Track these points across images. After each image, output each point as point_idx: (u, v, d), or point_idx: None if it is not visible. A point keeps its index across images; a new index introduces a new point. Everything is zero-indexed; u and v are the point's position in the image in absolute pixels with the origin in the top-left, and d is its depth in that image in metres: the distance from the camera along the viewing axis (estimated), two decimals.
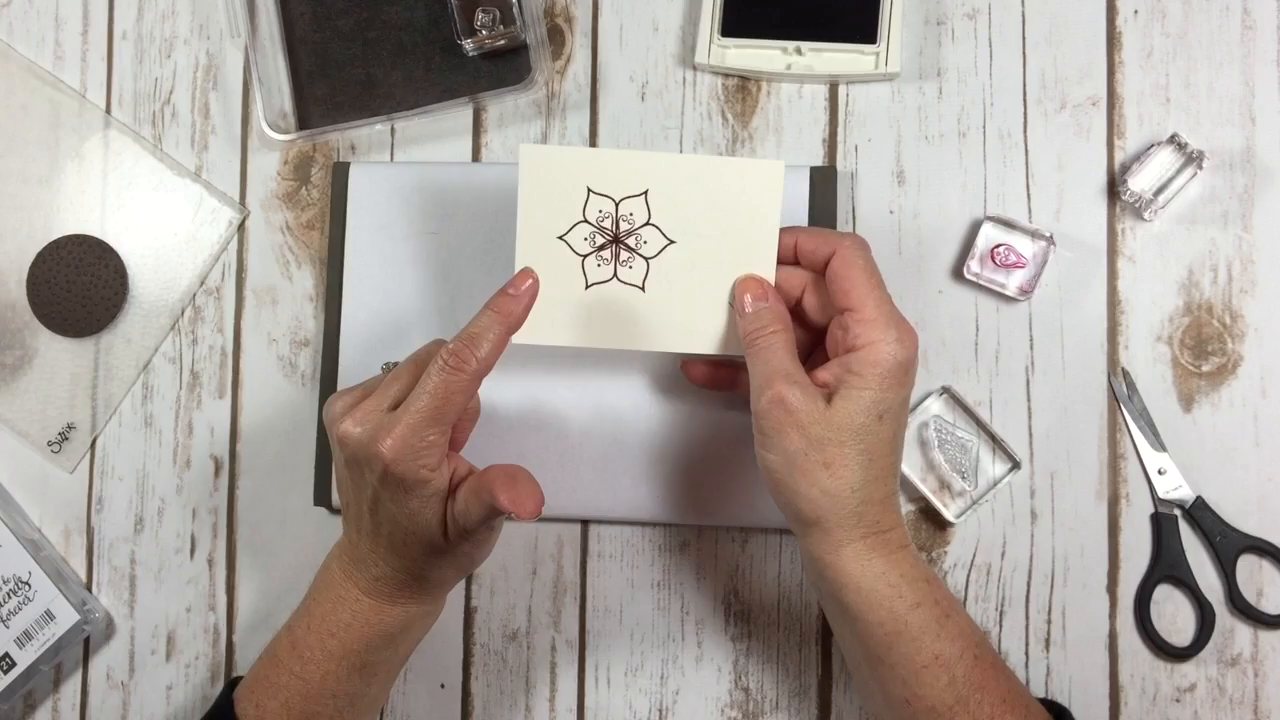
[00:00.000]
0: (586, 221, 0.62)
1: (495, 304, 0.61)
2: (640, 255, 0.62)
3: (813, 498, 0.57)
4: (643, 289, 0.62)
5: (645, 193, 0.61)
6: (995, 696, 0.57)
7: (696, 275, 0.62)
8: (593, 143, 0.75)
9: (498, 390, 0.72)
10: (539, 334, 0.63)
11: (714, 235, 0.62)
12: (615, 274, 0.62)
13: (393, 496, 0.59)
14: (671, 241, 0.62)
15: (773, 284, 0.62)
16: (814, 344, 0.64)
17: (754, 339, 0.60)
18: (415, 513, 0.60)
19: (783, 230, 0.62)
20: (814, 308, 0.63)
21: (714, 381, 0.68)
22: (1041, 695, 0.69)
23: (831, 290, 0.60)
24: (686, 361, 0.68)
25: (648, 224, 0.62)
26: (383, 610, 0.63)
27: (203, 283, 0.77)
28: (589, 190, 0.62)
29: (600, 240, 0.62)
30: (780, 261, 0.62)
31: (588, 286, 0.62)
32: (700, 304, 0.62)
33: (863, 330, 0.58)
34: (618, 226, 0.62)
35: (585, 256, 0.62)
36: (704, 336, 0.63)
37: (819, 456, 0.57)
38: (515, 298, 0.61)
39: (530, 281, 0.62)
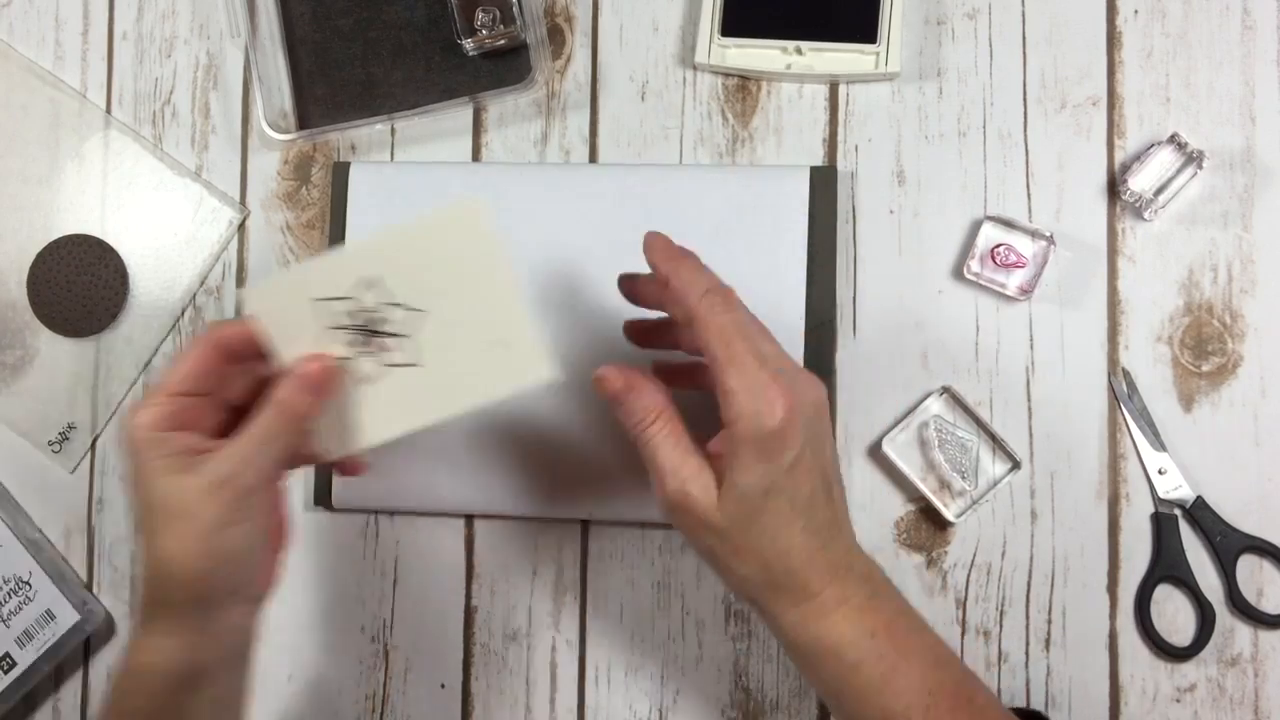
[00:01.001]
0: (335, 329, 0.60)
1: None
2: (400, 335, 0.60)
3: (735, 584, 0.58)
4: (420, 364, 0.60)
5: (377, 277, 0.59)
6: None
7: (465, 329, 0.59)
8: (593, 142, 0.75)
9: None
10: (347, 443, 0.61)
11: (456, 288, 0.59)
12: (386, 362, 0.60)
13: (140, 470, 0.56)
14: (421, 311, 0.59)
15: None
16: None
17: (633, 434, 0.57)
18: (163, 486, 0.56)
19: (660, 261, 0.58)
20: (689, 343, 0.59)
21: (651, 341, 0.65)
22: (1032, 703, 0.69)
23: (698, 348, 0.56)
24: (627, 324, 0.66)
25: (392, 305, 0.59)
26: (136, 647, 0.58)
27: (203, 283, 0.77)
28: (321, 300, 0.60)
29: (356, 338, 0.60)
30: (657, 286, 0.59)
31: (360, 383, 0.60)
32: (487, 349, 0.59)
33: (728, 406, 0.54)
34: (366, 321, 0.60)
35: (350, 359, 0.60)
36: (513, 372, 0.59)
37: (728, 546, 0.56)
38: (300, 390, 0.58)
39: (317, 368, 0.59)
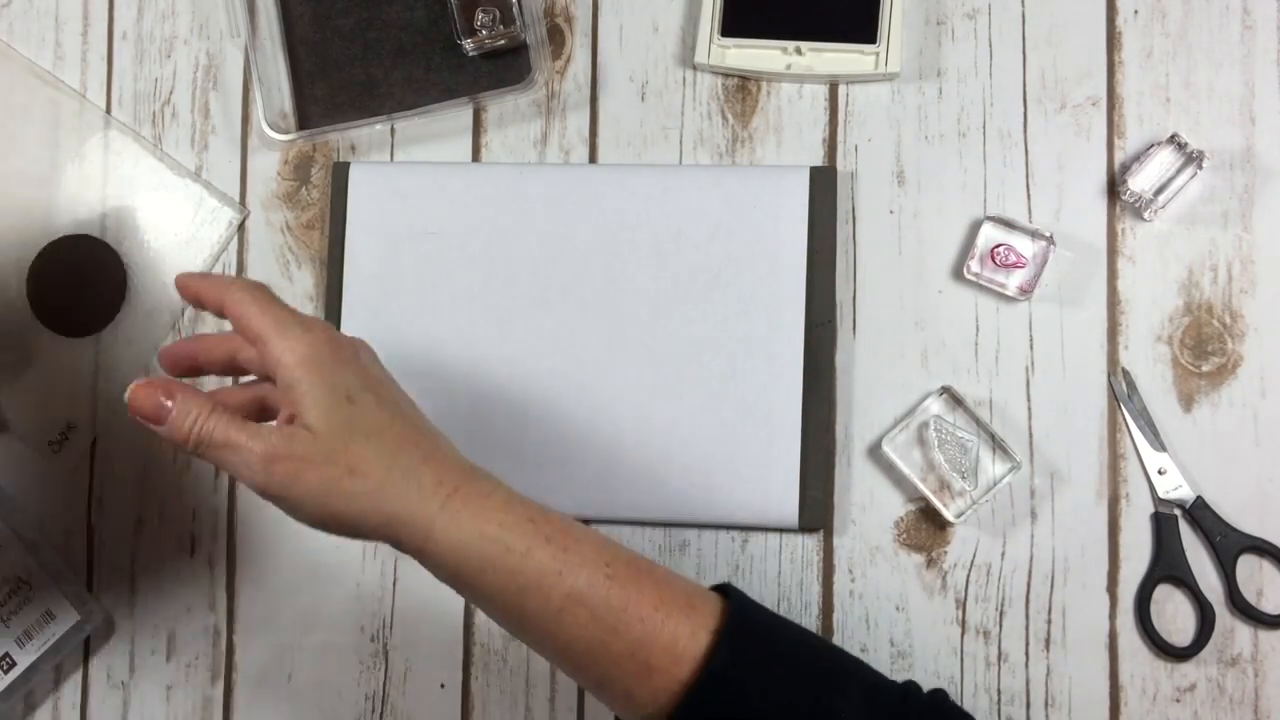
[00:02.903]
0: None
1: None
2: None
3: (363, 506, 0.54)
4: None
5: None
6: (645, 608, 0.54)
7: None
8: (593, 142, 0.75)
9: (498, 390, 0.72)
10: None
11: None
12: None
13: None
14: None
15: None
16: None
17: (192, 440, 0.54)
18: None
19: (182, 277, 0.59)
20: (251, 362, 0.59)
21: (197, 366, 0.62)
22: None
23: (240, 333, 0.57)
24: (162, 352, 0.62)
25: None
26: None
27: None
28: None
29: None
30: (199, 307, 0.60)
31: None
32: None
33: (272, 347, 0.55)
34: None
35: None
36: None
37: (337, 471, 0.53)
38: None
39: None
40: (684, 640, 0.54)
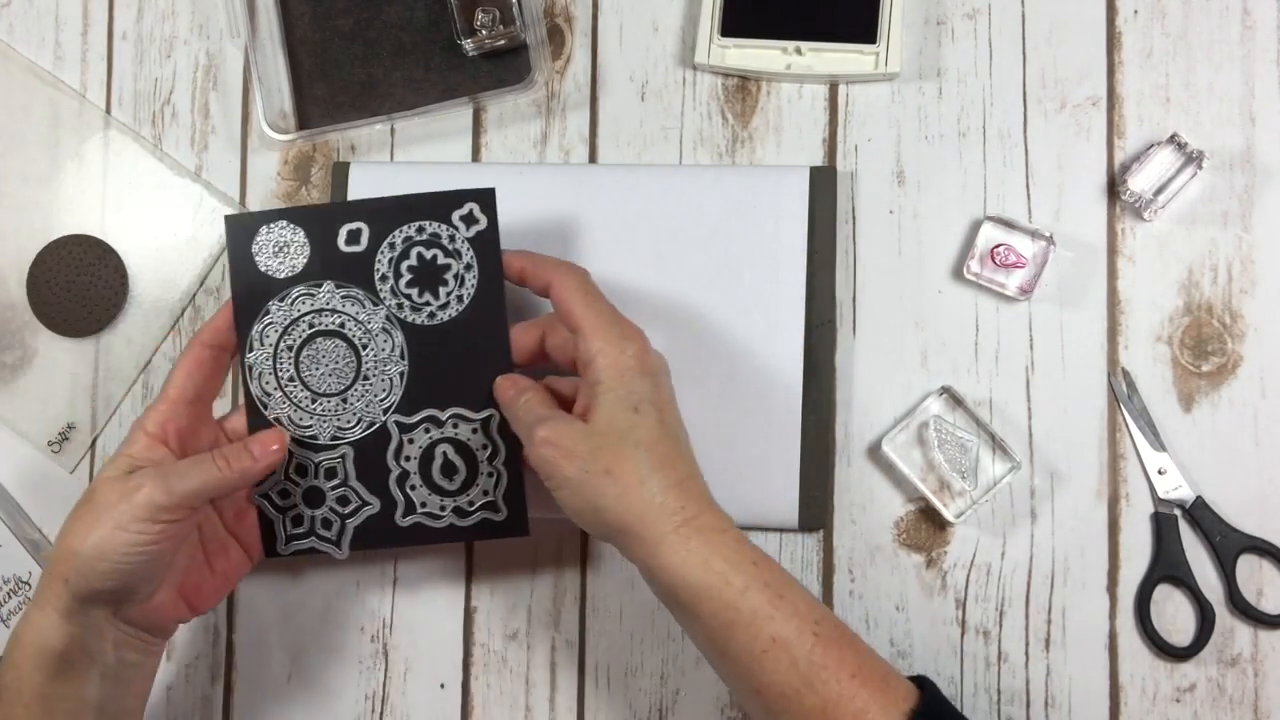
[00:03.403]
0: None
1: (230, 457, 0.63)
2: None
3: (608, 506, 0.58)
4: None
5: None
6: (844, 673, 0.56)
7: None
8: (593, 142, 0.75)
9: None
10: None
11: None
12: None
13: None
14: None
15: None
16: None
17: (510, 416, 0.64)
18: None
19: (509, 255, 0.65)
20: (558, 348, 0.64)
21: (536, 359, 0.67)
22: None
23: (560, 318, 0.62)
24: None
25: None
26: (24, 617, 0.61)
27: (203, 283, 0.77)
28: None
29: None
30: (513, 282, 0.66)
31: None
32: None
33: (588, 344, 0.60)
34: None
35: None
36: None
37: (598, 467, 0.58)
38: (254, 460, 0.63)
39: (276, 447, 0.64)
40: (874, 713, 0.56)
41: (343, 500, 0.67)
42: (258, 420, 0.66)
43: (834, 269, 0.71)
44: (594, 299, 0.62)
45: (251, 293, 0.66)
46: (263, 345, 0.66)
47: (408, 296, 0.66)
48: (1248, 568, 0.69)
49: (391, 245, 0.66)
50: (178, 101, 0.78)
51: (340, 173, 0.75)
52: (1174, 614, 0.70)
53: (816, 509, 0.70)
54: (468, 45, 0.74)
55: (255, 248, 0.66)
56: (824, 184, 0.71)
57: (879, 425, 0.72)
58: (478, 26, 0.73)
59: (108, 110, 0.78)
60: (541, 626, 0.73)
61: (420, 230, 0.66)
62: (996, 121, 0.73)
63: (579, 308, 0.61)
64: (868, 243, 0.73)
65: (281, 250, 0.66)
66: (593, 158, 0.75)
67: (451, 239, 0.66)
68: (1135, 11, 0.73)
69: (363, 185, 0.74)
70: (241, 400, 0.67)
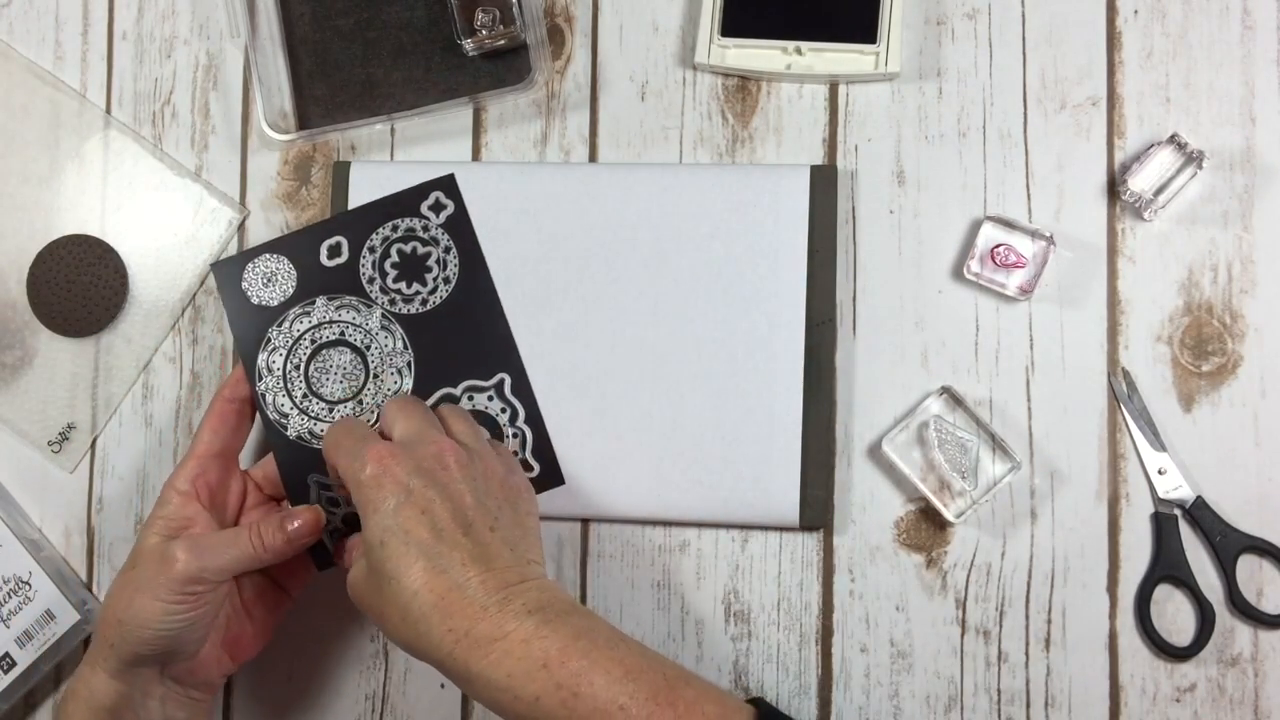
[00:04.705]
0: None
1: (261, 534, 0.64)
2: None
3: (412, 647, 0.58)
4: None
5: None
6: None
7: None
8: (593, 142, 0.75)
9: None
10: None
11: None
12: None
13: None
14: None
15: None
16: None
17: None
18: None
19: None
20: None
21: None
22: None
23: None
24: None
25: None
26: (77, 674, 0.65)
27: (203, 283, 0.77)
28: None
29: None
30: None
31: None
32: None
33: (339, 483, 0.62)
34: None
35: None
36: None
37: (381, 607, 0.58)
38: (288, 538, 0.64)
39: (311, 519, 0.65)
40: None
41: None
42: (279, 442, 0.68)
43: (834, 269, 0.71)
44: (342, 433, 0.62)
45: (251, 328, 0.69)
46: (270, 372, 0.69)
47: (398, 291, 0.69)
48: (1248, 568, 0.69)
49: (371, 249, 0.69)
50: (178, 101, 0.78)
51: (340, 172, 0.75)
52: (1174, 614, 0.70)
53: (817, 508, 0.70)
54: (468, 45, 0.74)
55: (245, 284, 0.69)
56: (824, 183, 0.71)
57: (879, 425, 0.72)
58: (478, 26, 0.73)
59: (108, 110, 0.78)
60: None
61: (395, 228, 0.70)
62: (996, 121, 0.73)
63: (332, 453, 0.62)
64: (868, 243, 0.73)
65: (270, 280, 0.69)
66: (593, 158, 0.75)
67: (426, 228, 0.69)
68: (1135, 11, 0.73)
69: (363, 185, 0.74)
70: (266, 447, 0.69)
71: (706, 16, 0.73)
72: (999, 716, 0.70)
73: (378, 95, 0.76)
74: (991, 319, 0.72)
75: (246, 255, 0.70)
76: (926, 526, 0.71)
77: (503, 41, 0.74)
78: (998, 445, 0.71)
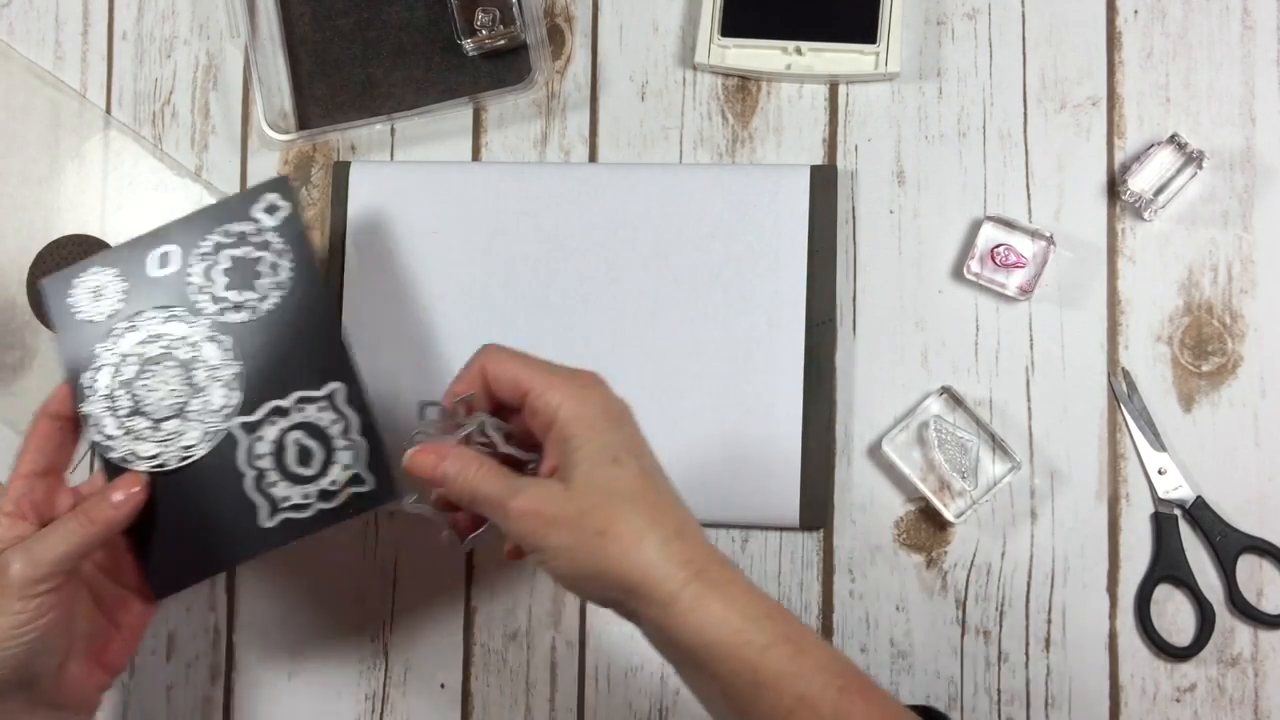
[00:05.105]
0: None
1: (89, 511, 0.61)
2: None
3: (609, 569, 0.53)
4: None
5: None
6: None
7: None
8: (593, 142, 0.75)
9: None
10: None
11: None
12: None
13: None
14: None
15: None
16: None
17: (462, 494, 0.56)
18: None
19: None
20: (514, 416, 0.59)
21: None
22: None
23: (505, 395, 0.58)
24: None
25: None
26: None
27: None
28: None
29: None
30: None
31: None
32: None
33: (547, 399, 0.55)
34: None
35: None
36: None
37: (590, 530, 0.53)
38: (116, 506, 0.62)
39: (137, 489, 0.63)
40: None
41: (206, 521, 0.65)
42: (107, 465, 0.65)
43: (834, 268, 0.71)
44: (531, 360, 0.58)
45: (79, 346, 0.66)
46: (94, 391, 0.66)
47: (226, 299, 0.66)
48: (1248, 568, 0.69)
49: (202, 256, 0.66)
50: (178, 101, 0.78)
51: (340, 172, 0.75)
52: (1174, 614, 0.70)
53: (817, 508, 0.70)
54: (468, 45, 0.74)
55: (71, 300, 0.66)
56: (824, 183, 0.71)
57: (879, 425, 0.72)
58: (478, 26, 0.73)
59: (108, 110, 0.78)
60: (541, 626, 0.73)
61: (226, 233, 0.67)
62: (996, 121, 0.73)
63: (523, 369, 0.57)
64: (868, 243, 0.73)
65: (98, 295, 0.66)
66: (593, 157, 0.75)
67: (258, 232, 0.66)
68: (1135, 11, 0.73)
69: (363, 185, 0.74)
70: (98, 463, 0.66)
71: (706, 16, 0.73)
72: (999, 716, 0.70)
73: (378, 95, 0.76)
74: (991, 319, 0.72)
75: (74, 270, 0.67)
76: (926, 526, 0.71)
77: (503, 41, 0.74)
78: (998, 445, 0.71)
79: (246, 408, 0.65)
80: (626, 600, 0.54)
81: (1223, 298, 0.71)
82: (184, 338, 0.66)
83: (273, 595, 0.75)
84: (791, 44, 0.73)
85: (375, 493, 0.64)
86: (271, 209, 0.66)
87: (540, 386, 0.56)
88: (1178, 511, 0.70)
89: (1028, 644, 0.70)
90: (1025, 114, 0.73)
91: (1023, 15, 0.73)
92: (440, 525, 0.61)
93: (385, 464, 0.64)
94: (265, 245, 0.66)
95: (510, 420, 0.59)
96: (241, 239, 0.66)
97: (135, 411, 0.65)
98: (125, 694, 0.75)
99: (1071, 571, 0.70)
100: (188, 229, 0.67)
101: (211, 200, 0.76)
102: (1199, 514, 0.69)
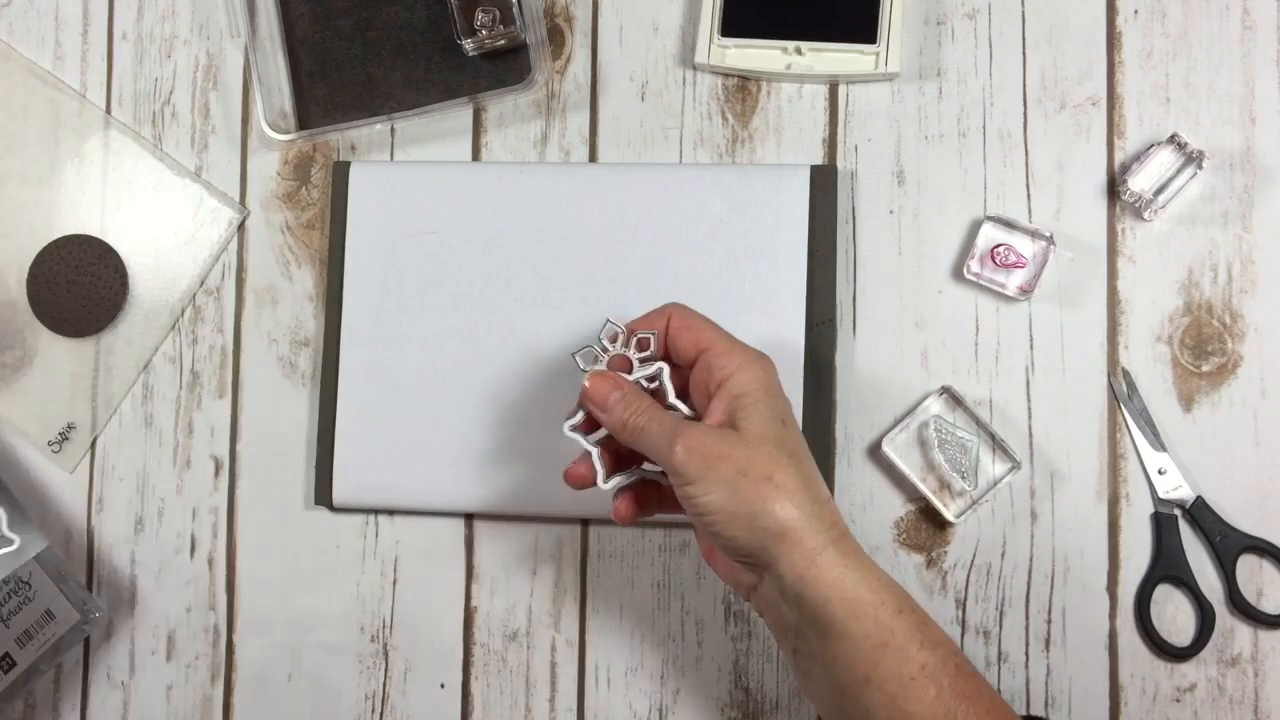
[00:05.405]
0: None
1: None
2: None
3: (769, 511, 0.55)
4: None
5: None
6: (980, 709, 0.55)
7: None
8: (593, 142, 0.75)
9: (502, 388, 0.72)
10: None
11: None
12: None
13: None
14: None
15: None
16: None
17: (627, 425, 0.59)
18: None
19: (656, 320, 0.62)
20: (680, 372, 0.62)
21: (638, 513, 0.64)
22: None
23: (683, 346, 0.61)
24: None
25: None
26: None
27: (203, 283, 0.77)
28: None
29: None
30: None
31: None
32: None
33: (726, 360, 0.59)
34: None
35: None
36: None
37: (757, 473, 0.56)
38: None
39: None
40: None
41: None
42: None
43: (834, 268, 0.71)
44: (716, 326, 0.61)
45: None
46: None
47: None
48: (1248, 568, 0.69)
49: None
50: (178, 101, 0.78)
51: (340, 172, 0.75)
52: (1174, 614, 0.70)
53: None
54: (468, 45, 0.74)
55: None
56: (824, 183, 0.71)
57: (879, 425, 0.72)
58: (478, 26, 0.73)
59: (108, 110, 0.78)
60: (541, 626, 0.73)
61: None
62: (996, 121, 0.73)
63: (706, 329, 0.61)
64: (868, 242, 0.73)
65: None
66: (593, 158, 0.75)
67: None
68: (1135, 11, 0.73)
69: (363, 185, 0.74)
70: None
71: (706, 16, 0.73)
72: None
73: (378, 95, 0.76)
74: (991, 319, 0.72)
75: None
76: (926, 526, 0.71)
77: (503, 41, 0.74)
78: (998, 445, 0.71)
79: None
80: (772, 545, 0.56)
81: (1223, 298, 0.71)
82: None
83: (273, 595, 0.75)
84: (791, 44, 0.73)
85: None
86: None
87: (722, 347, 0.60)
88: (1178, 511, 0.70)
89: (1028, 644, 0.70)
90: (1025, 114, 0.73)
91: (1023, 15, 0.73)
92: (588, 453, 0.62)
93: None
94: None
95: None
96: None
97: None
98: (125, 694, 0.75)
99: (1071, 571, 0.70)
100: None
101: (213, 200, 0.76)
102: (1199, 514, 0.69)
